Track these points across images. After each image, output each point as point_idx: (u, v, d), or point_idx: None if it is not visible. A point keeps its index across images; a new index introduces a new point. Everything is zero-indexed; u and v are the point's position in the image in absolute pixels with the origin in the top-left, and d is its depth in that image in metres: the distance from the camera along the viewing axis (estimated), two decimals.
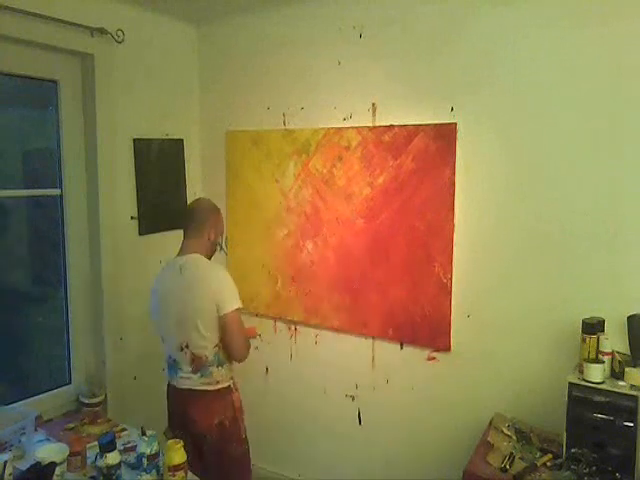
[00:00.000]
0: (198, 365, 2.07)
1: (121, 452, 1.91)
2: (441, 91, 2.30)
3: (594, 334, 1.94)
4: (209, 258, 2.16)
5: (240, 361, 2.13)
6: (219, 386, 2.11)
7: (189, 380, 2.10)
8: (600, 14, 1.97)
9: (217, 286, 2.04)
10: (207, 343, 2.06)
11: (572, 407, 1.86)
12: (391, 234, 2.46)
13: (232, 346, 2.08)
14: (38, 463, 1.79)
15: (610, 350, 1.92)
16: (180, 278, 2.06)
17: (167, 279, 2.13)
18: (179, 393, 2.14)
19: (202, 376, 2.08)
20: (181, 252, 2.14)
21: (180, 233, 2.18)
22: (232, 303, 2.04)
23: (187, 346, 2.07)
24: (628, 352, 1.93)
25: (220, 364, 2.10)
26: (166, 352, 2.18)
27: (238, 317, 2.07)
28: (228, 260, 3.03)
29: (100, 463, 1.81)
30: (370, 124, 2.49)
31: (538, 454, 1.97)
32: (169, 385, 2.21)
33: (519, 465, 1.91)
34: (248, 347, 2.14)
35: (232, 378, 2.17)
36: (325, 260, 2.68)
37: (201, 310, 2.03)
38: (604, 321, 1.97)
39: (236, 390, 2.18)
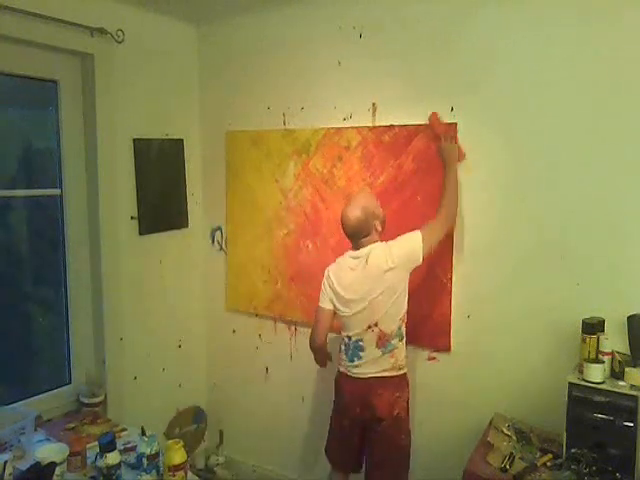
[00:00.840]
0: (384, 341, 2.13)
1: (121, 452, 1.91)
2: (441, 91, 2.30)
3: (594, 334, 1.94)
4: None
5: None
6: (401, 372, 2.17)
7: (371, 364, 2.14)
8: (600, 12, 1.97)
9: (398, 251, 2.12)
10: (396, 318, 2.14)
11: (572, 407, 1.86)
12: (391, 234, 2.45)
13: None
14: (38, 463, 1.80)
15: (610, 350, 1.91)
16: (367, 267, 2.13)
17: (353, 271, 2.18)
18: (358, 382, 2.16)
19: (385, 353, 2.13)
20: (356, 248, 2.20)
21: (177, 233, 2.17)
22: (417, 246, 2.11)
23: (376, 324, 2.13)
24: (628, 352, 1.93)
25: (401, 338, 2.17)
26: (344, 339, 2.21)
27: (428, 240, 2.12)
28: (228, 260, 3.04)
29: (100, 463, 1.81)
30: (370, 124, 2.49)
31: (538, 454, 1.97)
32: (342, 375, 2.23)
33: (519, 465, 1.90)
34: (455, 212, 2.24)
35: (406, 357, 2.21)
36: (325, 260, 2.67)
37: (394, 284, 2.11)
38: (604, 321, 1.97)
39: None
